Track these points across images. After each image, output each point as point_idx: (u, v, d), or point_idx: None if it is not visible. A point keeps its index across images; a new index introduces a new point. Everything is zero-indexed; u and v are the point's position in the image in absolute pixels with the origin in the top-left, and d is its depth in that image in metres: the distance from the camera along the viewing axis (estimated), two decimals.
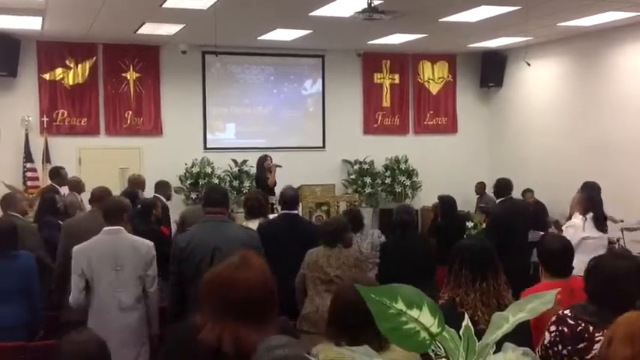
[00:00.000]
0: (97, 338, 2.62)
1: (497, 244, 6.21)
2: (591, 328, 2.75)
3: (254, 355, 1.86)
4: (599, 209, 6.00)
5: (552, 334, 2.84)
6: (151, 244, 4.68)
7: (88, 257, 4.49)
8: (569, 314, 2.84)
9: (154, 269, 4.61)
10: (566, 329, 2.80)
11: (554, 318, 2.87)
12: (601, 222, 5.92)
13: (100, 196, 5.79)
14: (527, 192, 10.15)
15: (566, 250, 3.70)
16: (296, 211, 6.16)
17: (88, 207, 6.81)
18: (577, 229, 5.80)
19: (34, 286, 4.91)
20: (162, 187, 8.25)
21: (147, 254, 4.58)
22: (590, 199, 6.04)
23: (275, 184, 9.35)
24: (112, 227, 4.59)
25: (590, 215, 5.90)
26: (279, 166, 9.63)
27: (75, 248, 4.57)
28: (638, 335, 1.84)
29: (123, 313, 4.46)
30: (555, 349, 2.81)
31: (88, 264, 4.48)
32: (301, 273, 4.98)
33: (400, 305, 1.33)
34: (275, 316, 2.31)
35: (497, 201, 7.26)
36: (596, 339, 2.69)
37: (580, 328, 2.78)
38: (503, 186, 7.23)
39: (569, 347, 2.78)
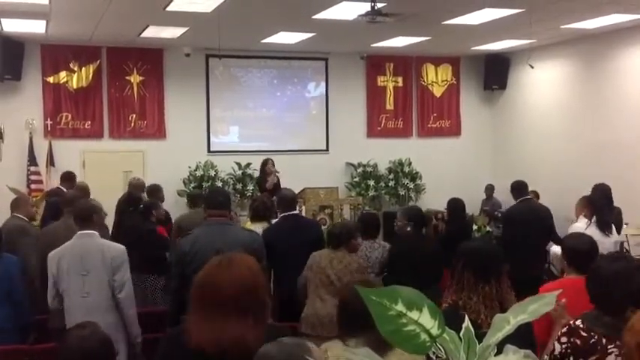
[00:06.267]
0: (100, 334, 2.59)
1: (512, 244, 6.27)
2: (604, 340, 2.71)
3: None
4: (603, 213, 5.97)
5: (564, 346, 2.78)
6: (122, 248, 4.61)
7: (58, 262, 4.52)
8: (582, 325, 2.79)
9: (122, 275, 4.51)
10: (578, 341, 2.76)
11: (565, 329, 2.83)
12: (605, 225, 5.89)
13: (71, 200, 5.76)
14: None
15: (592, 248, 3.76)
16: (295, 211, 6.16)
17: None
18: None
19: (17, 289, 4.79)
20: (155, 192, 8.17)
21: (113, 260, 4.50)
22: (592, 203, 6.03)
23: (273, 187, 9.31)
24: (84, 231, 4.59)
25: (594, 219, 5.88)
26: (277, 172, 9.66)
27: (49, 255, 4.62)
28: None
29: (90, 318, 4.33)
30: None
31: (58, 269, 4.51)
32: (304, 275, 4.97)
33: (400, 307, 1.32)
34: (263, 315, 2.32)
35: (517, 201, 7.31)
36: (609, 351, 2.66)
37: (593, 340, 2.73)
38: (523, 187, 7.36)
39: (581, 359, 2.74)
